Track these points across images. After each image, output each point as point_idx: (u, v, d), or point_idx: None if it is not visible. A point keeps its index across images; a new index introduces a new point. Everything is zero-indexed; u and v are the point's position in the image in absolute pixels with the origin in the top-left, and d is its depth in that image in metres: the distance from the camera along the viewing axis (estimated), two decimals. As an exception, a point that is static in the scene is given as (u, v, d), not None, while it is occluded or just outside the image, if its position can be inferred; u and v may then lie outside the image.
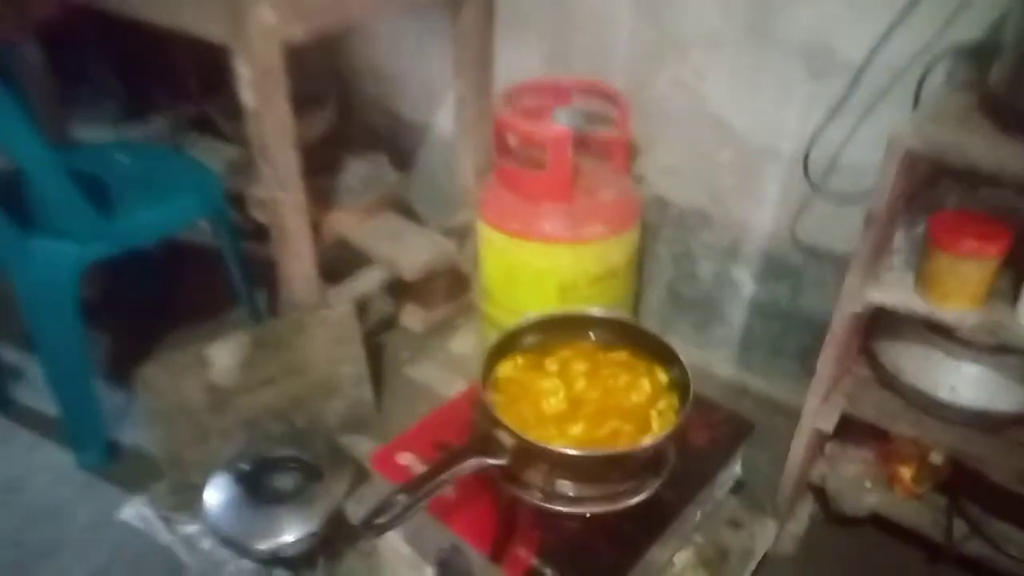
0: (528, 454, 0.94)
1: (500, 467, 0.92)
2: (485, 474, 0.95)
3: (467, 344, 1.87)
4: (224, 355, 1.49)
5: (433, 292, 1.88)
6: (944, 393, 1.10)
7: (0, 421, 1.73)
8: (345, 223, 1.73)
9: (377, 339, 1.88)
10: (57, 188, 1.38)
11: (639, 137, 1.60)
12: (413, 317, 1.92)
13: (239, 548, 1.26)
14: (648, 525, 0.96)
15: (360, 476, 1.38)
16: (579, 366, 1.09)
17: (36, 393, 1.78)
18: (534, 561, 0.91)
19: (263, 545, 1.24)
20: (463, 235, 1.87)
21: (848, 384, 1.21)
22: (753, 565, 1.04)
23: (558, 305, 1.46)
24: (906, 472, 1.26)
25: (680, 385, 1.03)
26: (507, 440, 0.93)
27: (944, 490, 1.26)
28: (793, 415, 1.63)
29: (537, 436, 0.97)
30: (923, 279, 1.05)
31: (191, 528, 1.42)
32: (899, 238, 1.12)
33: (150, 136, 2.26)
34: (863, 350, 1.25)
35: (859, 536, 1.37)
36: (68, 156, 1.77)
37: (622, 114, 1.49)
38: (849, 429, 1.28)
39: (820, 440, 1.29)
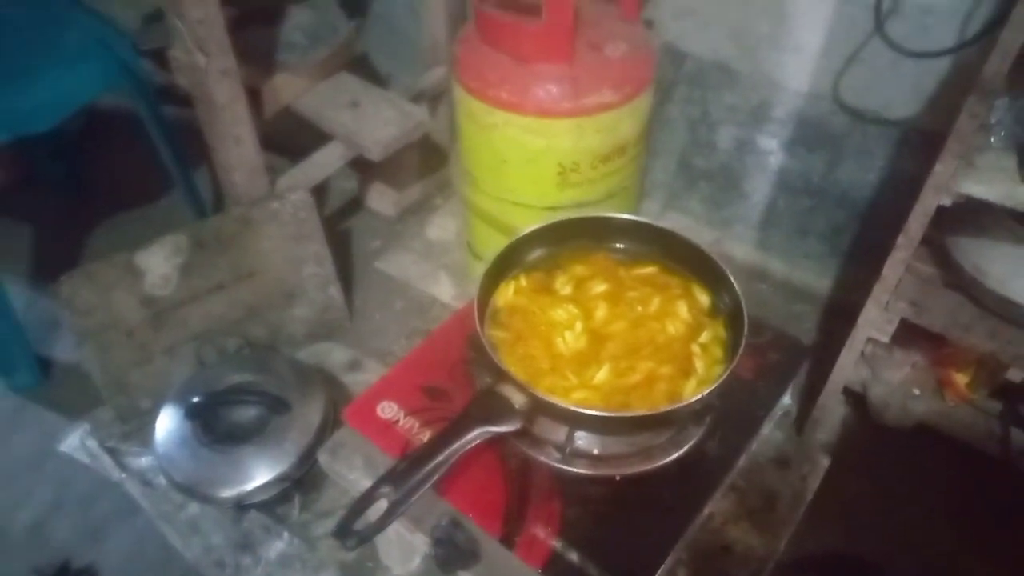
0: (544, 411, 0.75)
1: (510, 432, 0.73)
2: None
3: (447, 229, 1.62)
4: (158, 261, 1.24)
5: (403, 168, 1.61)
6: (1039, 302, 0.91)
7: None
8: (290, 89, 1.42)
9: (341, 227, 1.63)
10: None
11: (650, -29, 1.29)
12: (382, 198, 1.66)
13: (199, 496, 1.09)
14: (692, 486, 0.78)
15: (335, 401, 1.19)
16: (597, 287, 0.87)
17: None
18: (555, 543, 0.74)
19: (227, 493, 1.07)
20: (435, 98, 1.58)
21: (911, 287, 1.02)
22: (802, 509, 0.89)
23: (557, 192, 1.22)
24: (962, 377, 1.11)
25: (727, 312, 0.83)
26: (517, 398, 0.73)
27: (1001, 398, 1.11)
28: (816, 301, 1.47)
29: (553, 387, 0.77)
30: (1035, 165, 0.83)
31: (143, 461, 1.25)
32: (1000, 108, 0.88)
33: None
34: (928, 243, 1.04)
35: (900, 445, 1.23)
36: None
37: (633, -57, 1.17)
38: (897, 329, 1.10)
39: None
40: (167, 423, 1.12)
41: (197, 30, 1.07)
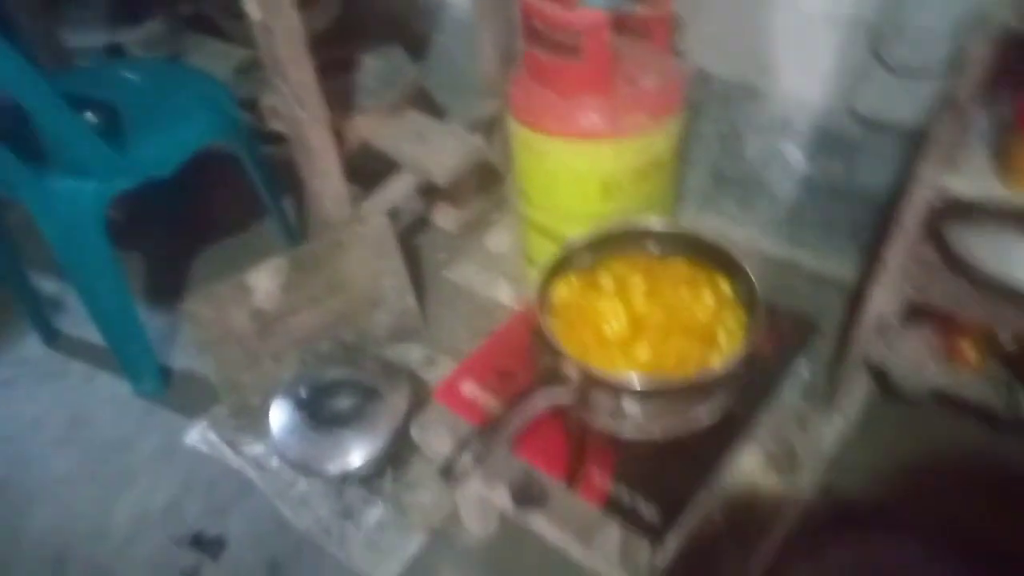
0: (596, 384, 0.92)
1: (568, 400, 0.91)
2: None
3: (503, 241, 1.82)
4: (264, 280, 1.46)
5: (464, 189, 1.82)
6: (1022, 278, 1.05)
7: (52, 356, 1.76)
8: (367, 127, 1.64)
9: (411, 243, 1.84)
10: (64, 124, 1.30)
11: (680, 7, 1.45)
12: (445, 216, 1.86)
13: (310, 471, 1.30)
14: (719, 440, 0.95)
15: (416, 390, 1.39)
16: (636, 281, 1.04)
17: (80, 322, 1.79)
18: (610, 484, 0.92)
19: (333, 468, 1.27)
20: (490, 127, 1.78)
21: (914, 271, 1.16)
22: (821, 463, 1.05)
23: (601, 204, 1.40)
24: (969, 348, 1.24)
25: (745, 297, 0.99)
26: (573, 373, 0.91)
27: (1007, 364, 1.25)
28: (844, 289, 1.61)
29: (602, 363, 0.95)
30: (1007, 163, 0.97)
31: (257, 449, 1.46)
32: (979, 116, 1.02)
33: (146, 40, 2.13)
34: (930, 232, 1.19)
35: (918, 412, 1.37)
36: (70, 80, 1.68)
37: (662, -14, 1.34)
38: (909, 307, 1.25)
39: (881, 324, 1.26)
40: (280, 413, 1.33)
41: (297, 89, 1.29)
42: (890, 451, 1.34)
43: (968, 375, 1.25)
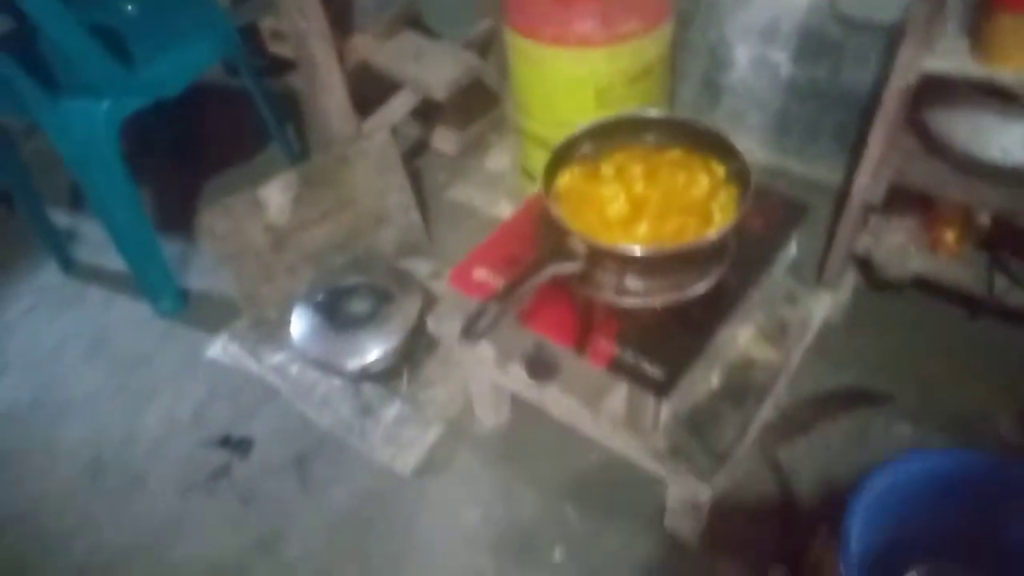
0: (600, 257, 0.99)
1: (575, 272, 0.98)
2: (559, 280, 1.01)
3: (502, 161, 1.88)
4: (276, 195, 1.52)
5: (461, 111, 1.86)
6: (995, 154, 1.12)
7: (69, 283, 1.82)
8: (366, 47, 1.68)
9: (412, 165, 1.90)
10: (79, 44, 1.35)
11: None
12: (445, 139, 1.91)
13: (331, 369, 1.37)
14: (715, 310, 1.03)
15: (426, 295, 1.47)
16: (635, 169, 1.11)
17: (95, 251, 1.86)
18: (616, 348, 0.99)
19: (353, 364, 1.35)
20: (484, 47, 1.82)
21: (896, 157, 1.23)
22: (810, 336, 1.13)
23: (596, 110, 1.45)
24: (950, 234, 1.32)
25: (737, 176, 1.06)
26: (579, 246, 0.98)
27: (985, 249, 1.32)
28: (829, 192, 1.68)
29: (606, 239, 1.01)
30: (981, 43, 1.03)
31: (277, 357, 1.54)
32: (953, 1, 1.08)
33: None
34: (910, 121, 1.26)
35: (902, 301, 1.45)
36: (74, 9, 1.70)
37: None
38: (892, 201, 1.32)
39: (865, 214, 1.33)
40: (301, 317, 1.41)
41: (301, 0, 1.33)
42: (875, 336, 1.43)
43: (949, 261, 1.32)
